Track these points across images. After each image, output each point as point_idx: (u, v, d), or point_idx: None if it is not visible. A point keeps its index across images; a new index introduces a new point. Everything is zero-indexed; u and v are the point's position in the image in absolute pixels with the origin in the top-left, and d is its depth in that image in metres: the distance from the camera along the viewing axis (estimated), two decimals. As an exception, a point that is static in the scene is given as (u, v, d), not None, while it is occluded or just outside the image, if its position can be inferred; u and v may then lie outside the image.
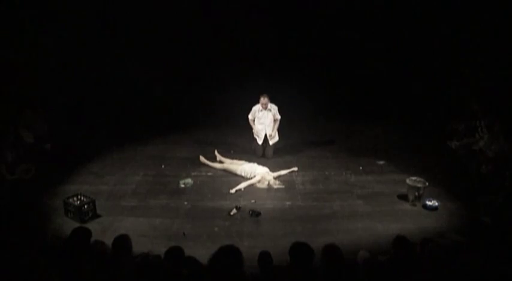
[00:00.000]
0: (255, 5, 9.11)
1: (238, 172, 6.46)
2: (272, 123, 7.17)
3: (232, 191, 5.97)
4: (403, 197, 5.78)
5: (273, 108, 7.11)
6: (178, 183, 6.24)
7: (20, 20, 7.18)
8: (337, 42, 9.46)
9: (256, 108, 7.11)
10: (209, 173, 6.61)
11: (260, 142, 7.25)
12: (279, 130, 7.35)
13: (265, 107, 7.02)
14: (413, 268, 3.15)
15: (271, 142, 7.25)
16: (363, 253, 3.92)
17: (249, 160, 6.73)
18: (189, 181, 6.30)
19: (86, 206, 5.17)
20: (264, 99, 6.96)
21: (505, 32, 6.97)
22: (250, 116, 7.21)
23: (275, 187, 6.13)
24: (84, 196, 5.33)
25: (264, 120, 7.14)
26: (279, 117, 7.15)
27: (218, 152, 7.09)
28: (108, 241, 3.66)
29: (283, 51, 9.58)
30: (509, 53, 6.88)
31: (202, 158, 6.94)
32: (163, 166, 6.86)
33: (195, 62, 9.49)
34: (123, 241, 3.42)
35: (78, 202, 5.20)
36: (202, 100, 9.27)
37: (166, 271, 3.10)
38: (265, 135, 7.21)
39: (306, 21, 9.49)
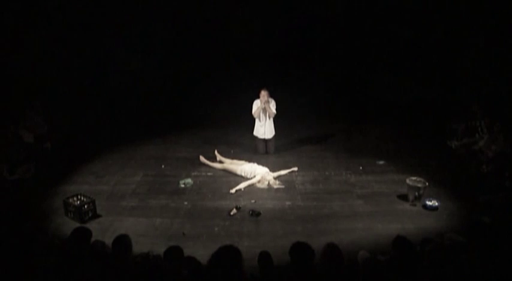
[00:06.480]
0: (255, 4, 9.13)
1: (238, 172, 6.45)
2: (272, 119, 7.18)
3: (232, 191, 5.97)
4: (403, 197, 5.77)
5: (272, 101, 7.09)
6: (178, 183, 6.23)
7: (20, 20, 7.19)
8: (338, 42, 9.48)
9: (257, 102, 7.11)
10: (209, 173, 6.61)
11: (261, 136, 7.25)
12: (279, 127, 7.36)
13: (265, 101, 7.00)
14: (413, 268, 3.15)
15: (268, 136, 7.23)
16: (363, 253, 3.92)
17: (249, 160, 6.73)
18: (189, 181, 6.30)
19: (86, 206, 5.17)
20: (264, 93, 6.96)
21: (505, 32, 6.98)
22: (253, 111, 7.17)
23: (275, 187, 6.12)
24: (84, 196, 5.33)
25: (264, 114, 7.14)
26: (274, 111, 7.08)
27: (218, 152, 7.08)
28: (108, 241, 3.66)
29: (284, 51, 9.60)
30: (509, 54, 6.89)
31: (202, 158, 6.93)
32: (163, 166, 6.85)
33: (195, 62, 9.51)
34: (123, 241, 3.41)
35: (78, 202, 5.20)
36: (202, 100, 9.28)
37: (166, 271, 3.09)
38: (265, 131, 7.22)
39: (307, 20, 9.51)
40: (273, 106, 7.07)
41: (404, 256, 3.28)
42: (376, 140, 8.00)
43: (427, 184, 5.63)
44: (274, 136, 7.33)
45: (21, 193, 5.82)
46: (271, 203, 5.71)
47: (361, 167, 6.79)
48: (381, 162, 6.98)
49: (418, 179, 5.71)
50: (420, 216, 5.37)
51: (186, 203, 5.69)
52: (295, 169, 6.69)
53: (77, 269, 3.14)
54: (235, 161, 6.81)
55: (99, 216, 5.28)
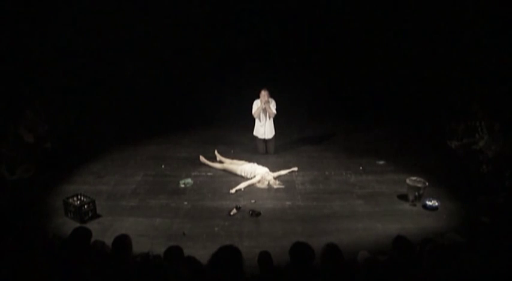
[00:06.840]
0: (255, 2, 9.13)
1: (238, 172, 6.46)
2: (272, 119, 7.17)
3: (232, 191, 5.97)
4: (403, 197, 5.77)
5: (272, 101, 7.08)
6: (178, 183, 6.24)
7: (20, 21, 7.19)
8: (338, 41, 9.47)
9: (257, 102, 7.10)
10: (209, 173, 6.61)
11: (261, 136, 7.25)
12: (279, 127, 7.36)
13: (265, 101, 6.99)
14: (413, 268, 3.15)
15: (269, 135, 7.23)
16: (363, 253, 3.92)
17: (249, 160, 6.73)
18: (189, 181, 6.30)
19: (86, 206, 5.17)
20: (264, 93, 6.95)
21: (505, 31, 6.98)
22: (254, 111, 7.17)
23: (275, 187, 6.12)
24: (84, 196, 5.33)
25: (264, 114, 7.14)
26: (275, 112, 7.07)
27: (218, 152, 7.08)
28: (108, 241, 3.66)
29: (285, 50, 9.60)
30: (509, 53, 6.88)
31: (202, 158, 6.94)
32: (163, 166, 6.85)
33: (195, 62, 9.51)
34: (123, 241, 3.41)
35: (78, 202, 5.20)
36: (202, 100, 9.27)
37: (166, 271, 3.09)
38: (265, 131, 7.22)
39: (307, 20, 9.50)
40: (273, 106, 7.07)
41: (404, 256, 3.28)
42: (376, 140, 8.01)
43: (427, 184, 5.63)
44: (274, 136, 7.33)
45: (21, 193, 5.82)
46: (271, 203, 5.72)
47: (361, 167, 6.79)
48: (381, 162, 6.98)
49: (418, 179, 5.71)
50: (420, 216, 5.38)
51: (186, 203, 5.69)
52: (295, 169, 6.70)
53: (77, 269, 3.14)
54: (235, 161, 6.81)
55: (99, 216, 5.28)
